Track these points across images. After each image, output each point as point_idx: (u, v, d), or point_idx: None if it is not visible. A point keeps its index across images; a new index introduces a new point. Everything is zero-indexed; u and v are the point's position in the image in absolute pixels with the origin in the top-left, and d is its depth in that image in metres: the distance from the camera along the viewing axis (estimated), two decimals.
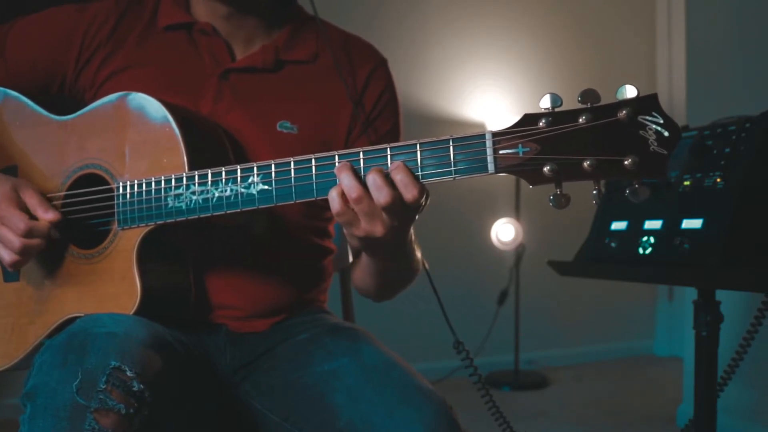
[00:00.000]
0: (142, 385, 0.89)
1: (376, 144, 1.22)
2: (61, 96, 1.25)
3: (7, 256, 1.07)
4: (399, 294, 1.28)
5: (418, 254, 1.22)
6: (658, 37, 4.21)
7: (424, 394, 1.03)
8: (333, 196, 0.92)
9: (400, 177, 0.89)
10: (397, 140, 1.29)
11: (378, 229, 0.93)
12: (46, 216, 1.07)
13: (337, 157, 0.93)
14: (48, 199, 1.11)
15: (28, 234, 1.05)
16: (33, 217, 1.08)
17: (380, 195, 0.89)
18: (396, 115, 1.31)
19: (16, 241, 1.05)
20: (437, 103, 3.70)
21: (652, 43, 4.24)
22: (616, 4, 4.16)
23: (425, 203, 0.93)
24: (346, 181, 0.91)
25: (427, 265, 1.27)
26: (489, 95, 3.79)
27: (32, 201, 1.08)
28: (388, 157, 0.91)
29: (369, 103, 1.27)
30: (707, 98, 2.64)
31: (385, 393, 1.03)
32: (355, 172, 0.91)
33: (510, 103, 3.82)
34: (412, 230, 1.07)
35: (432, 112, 3.67)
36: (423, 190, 0.90)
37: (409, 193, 0.89)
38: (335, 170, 0.92)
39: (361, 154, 0.92)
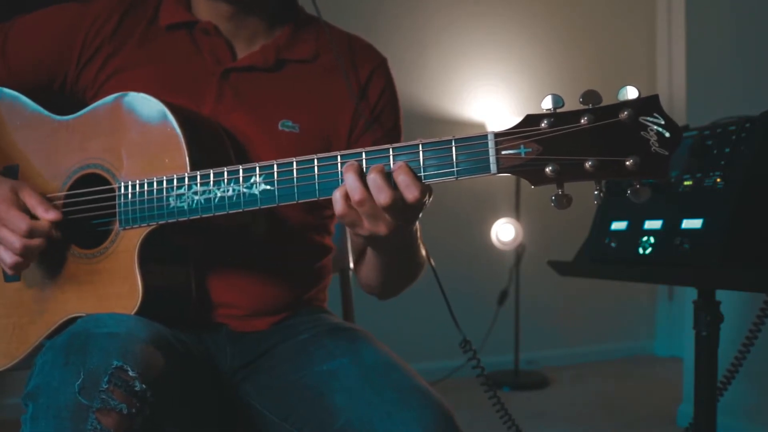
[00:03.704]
0: (144, 385, 0.89)
1: (379, 140, 1.23)
2: (62, 95, 1.25)
3: (8, 258, 1.05)
4: (404, 290, 1.28)
5: (423, 251, 1.22)
6: (658, 37, 4.21)
7: (423, 395, 1.03)
8: (336, 198, 0.92)
9: (402, 178, 0.89)
10: (399, 137, 1.30)
11: (381, 229, 0.93)
12: (47, 215, 1.06)
13: (339, 157, 0.93)
14: (48, 199, 1.11)
15: (30, 234, 1.04)
16: (33, 217, 1.06)
17: (381, 196, 0.89)
18: (397, 112, 1.32)
19: (17, 242, 1.04)
20: (437, 103, 3.70)
21: (652, 43, 4.24)
22: (616, 4, 4.16)
23: (428, 201, 0.93)
24: (350, 182, 0.90)
25: (433, 263, 1.27)
26: (489, 95, 3.79)
27: (32, 201, 1.07)
28: (391, 157, 0.91)
29: (371, 101, 1.27)
30: (707, 98, 2.64)
31: (384, 394, 1.03)
32: (361, 174, 0.91)
33: (510, 103, 3.82)
34: (418, 225, 1.07)
35: (432, 112, 3.67)
36: (425, 190, 0.90)
37: (410, 194, 0.89)
38: (343, 169, 0.92)
39: (364, 154, 0.92)
